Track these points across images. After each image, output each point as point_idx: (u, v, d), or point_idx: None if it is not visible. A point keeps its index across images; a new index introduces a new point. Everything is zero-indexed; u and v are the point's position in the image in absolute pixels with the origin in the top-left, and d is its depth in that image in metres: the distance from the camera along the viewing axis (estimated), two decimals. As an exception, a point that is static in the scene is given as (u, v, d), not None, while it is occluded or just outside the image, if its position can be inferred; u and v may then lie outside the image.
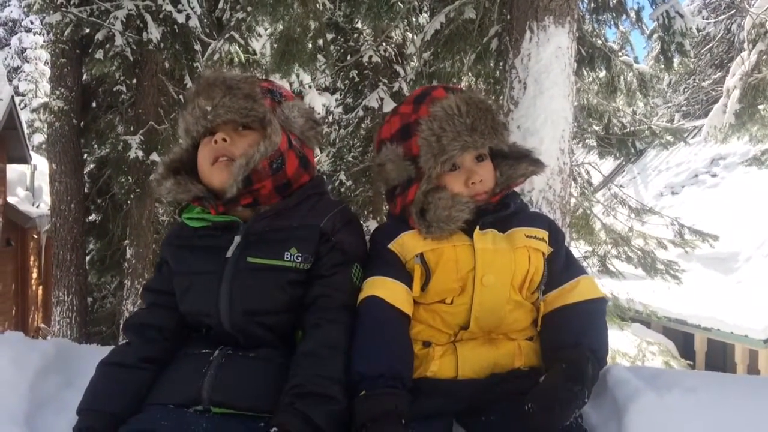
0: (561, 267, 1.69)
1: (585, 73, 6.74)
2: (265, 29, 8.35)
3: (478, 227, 1.62)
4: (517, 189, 1.82)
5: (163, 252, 1.75)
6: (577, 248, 7.94)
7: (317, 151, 1.78)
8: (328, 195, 1.80)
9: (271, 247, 1.58)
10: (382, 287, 1.58)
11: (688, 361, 9.94)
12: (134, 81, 8.98)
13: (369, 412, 1.38)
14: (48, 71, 15.34)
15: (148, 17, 7.90)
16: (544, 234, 1.69)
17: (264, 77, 1.86)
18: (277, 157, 1.59)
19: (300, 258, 1.57)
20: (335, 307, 1.55)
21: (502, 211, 1.68)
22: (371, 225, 9.80)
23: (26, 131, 16.12)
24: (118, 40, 7.93)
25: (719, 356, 10.97)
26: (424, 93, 1.72)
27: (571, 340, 1.54)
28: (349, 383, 1.45)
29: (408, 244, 1.65)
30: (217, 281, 1.57)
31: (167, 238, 1.78)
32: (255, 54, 8.21)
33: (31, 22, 29.07)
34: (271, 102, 1.65)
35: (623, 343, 8.93)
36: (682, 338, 11.44)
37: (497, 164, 1.74)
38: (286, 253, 1.57)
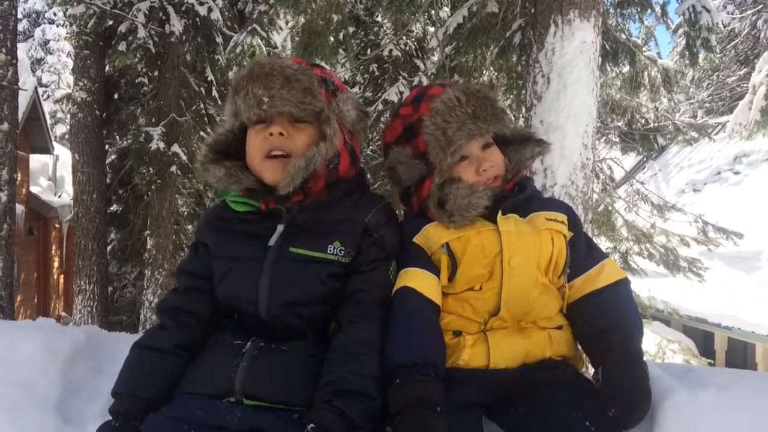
0: (583, 253, 1.72)
1: (608, 68, 6.66)
2: (287, 22, 8.36)
3: (500, 212, 1.65)
4: (538, 185, 1.83)
5: (201, 233, 1.73)
6: (599, 245, 7.85)
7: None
8: (370, 189, 1.80)
9: (315, 239, 1.58)
10: (413, 278, 1.59)
11: (708, 360, 9.84)
12: (156, 73, 9.06)
13: (404, 399, 1.39)
14: (71, 63, 15.50)
15: (170, 9, 7.96)
16: (563, 217, 1.71)
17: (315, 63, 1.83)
18: (334, 158, 1.59)
19: (343, 251, 1.58)
20: (371, 302, 1.55)
21: (520, 194, 1.72)
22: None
23: (49, 122, 16.34)
24: (141, 33, 7.99)
25: (739, 355, 10.84)
26: (421, 93, 1.76)
27: (609, 325, 1.57)
28: (384, 373, 1.46)
29: (433, 235, 1.67)
30: (258, 269, 1.57)
31: (206, 220, 1.76)
32: (276, 47, 8.23)
33: (54, 14, 29.36)
34: (326, 94, 1.64)
35: (643, 341, 8.85)
36: (702, 337, 11.32)
37: (503, 150, 1.77)
38: (330, 246, 1.57)
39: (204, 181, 1.88)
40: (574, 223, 1.74)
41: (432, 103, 1.66)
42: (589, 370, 1.69)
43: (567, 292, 1.68)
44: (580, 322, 1.66)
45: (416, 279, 1.59)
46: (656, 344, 9.23)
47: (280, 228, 1.60)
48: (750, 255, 10.18)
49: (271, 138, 1.57)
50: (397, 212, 1.78)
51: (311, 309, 1.58)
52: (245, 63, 7.72)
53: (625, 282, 1.68)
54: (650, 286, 8.79)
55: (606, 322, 1.58)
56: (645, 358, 1.57)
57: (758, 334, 9.07)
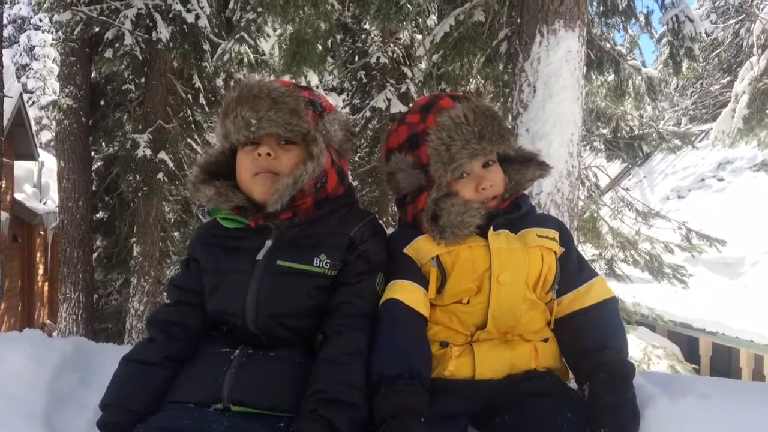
0: (574, 269, 1.73)
1: (593, 77, 6.73)
2: (274, 30, 8.36)
3: (491, 228, 1.66)
4: (525, 192, 1.85)
5: (193, 249, 1.76)
6: (584, 251, 7.92)
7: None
8: (357, 204, 1.83)
9: (302, 252, 1.60)
10: (400, 290, 1.60)
11: (693, 365, 9.93)
12: (143, 80, 9.02)
13: (389, 408, 1.41)
14: (56, 69, 15.42)
15: (157, 16, 7.93)
16: (554, 234, 1.72)
17: (303, 84, 1.87)
18: (321, 177, 1.62)
19: (329, 264, 1.60)
20: (357, 314, 1.57)
21: (514, 213, 1.72)
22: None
23: (34, 128, 16.19)
24: (128, 39, 7.95)
25: (724, 360, 10.95)
26: (431, 102, 1.75)
27: (596, 344, 1.59)
28: (369, 383, 1.47)
29: (423, 248, 1.68)
30: (246, 282, 1.59)
31: (198, 236, 1.78)
32: (264, 55, 8.22)
33: (40, 20, 29.17)
34: (313, 115, 1.67)
35: (628, 348, 8.92)
36: (686, 342, 11.43)
37: (505, 169, 1.77)
38: (315, 258, 1.60)
39: (195, 200, 1.91)
40: (565, 239, 1.75)
41: (440, 116, 1.66)
42: (573, 385, 1.71)
43: (555, 308, 1.69)
44: (567, 338, 1.67)
45: (404, 291, 1.60)
46: (641, 350, 9.30)
47: (269, 243, 1.62)
48: (734, 261, 10.30)
49: (259, 158, 1.60)
50: (388, 216, 1.80)
51: (298, 321, 1.60)
52: (233, 70, 7.72)
53: (613, 301, 1.70)
54: (635, 293, 8.86)
55: (594, 341, 1.60)
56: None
57: (742, 339, 9.17)
